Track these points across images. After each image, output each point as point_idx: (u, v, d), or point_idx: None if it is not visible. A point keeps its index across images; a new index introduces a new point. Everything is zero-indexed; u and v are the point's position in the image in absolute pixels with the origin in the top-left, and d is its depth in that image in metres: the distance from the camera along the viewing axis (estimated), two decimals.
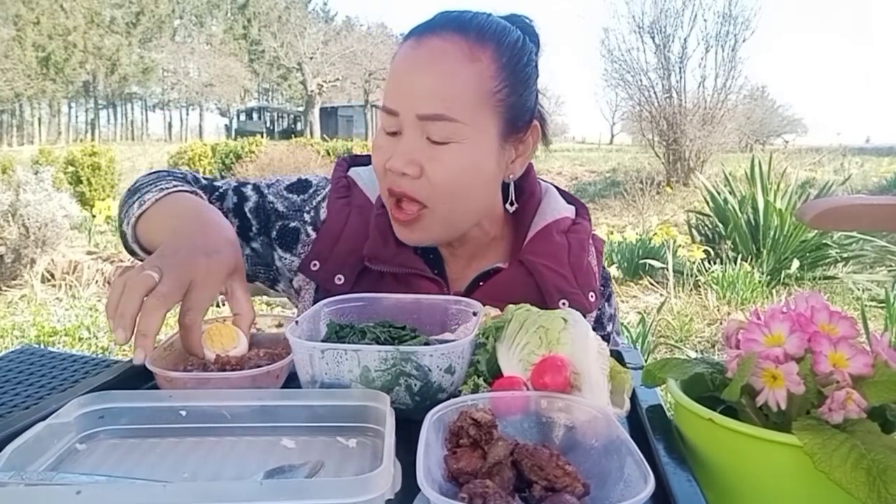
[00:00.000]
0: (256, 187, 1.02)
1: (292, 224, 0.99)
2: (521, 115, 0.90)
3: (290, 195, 1.01)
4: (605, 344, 0.69)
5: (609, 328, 1.06)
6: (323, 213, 0.99)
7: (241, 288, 0.78)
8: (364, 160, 1.05)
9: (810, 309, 0.58)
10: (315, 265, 0.94)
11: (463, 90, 0.84)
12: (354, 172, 1.02)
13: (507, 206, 0.97)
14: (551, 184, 1.07)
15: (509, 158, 0.92)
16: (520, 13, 0.96)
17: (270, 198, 1.00)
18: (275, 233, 0.99)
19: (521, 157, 0.94)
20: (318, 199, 1.01)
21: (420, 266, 0.94)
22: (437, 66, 0.84)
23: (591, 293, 0.97)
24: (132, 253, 0.96)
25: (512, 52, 0.88)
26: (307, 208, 1.00)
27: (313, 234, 0.98)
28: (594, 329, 0.97)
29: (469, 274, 0.99)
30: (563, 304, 0.92)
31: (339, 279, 0.93)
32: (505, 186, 0.96)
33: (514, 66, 0.88)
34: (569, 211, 1.03)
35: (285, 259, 1.00)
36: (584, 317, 0.92)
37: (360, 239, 0.94)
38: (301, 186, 1.03)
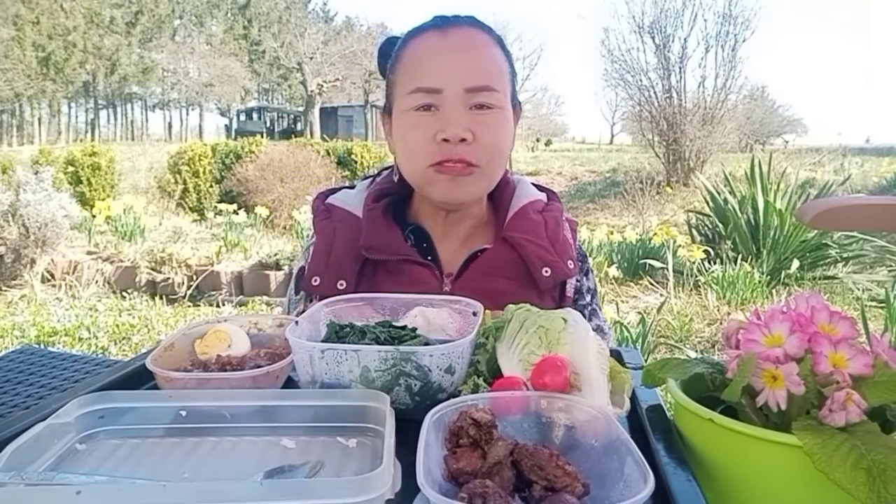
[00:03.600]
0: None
1: (300, 265, 1.11)
2: (515, 98, 1.05)
3: (302, 254, 1.14)
4: (605, 344, 0.69)
5: (588, 299, 1.13)
6: (312, 248, 1.08)
7: None
8: (339, 189, 1.16)
9: (810, 309, 0.58)
10: (316, 280, 1.02)
11: (497, 66, 0.99)
12: (333, 198, 1.12)
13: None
14: (522, 176, 1.19)
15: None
16: None
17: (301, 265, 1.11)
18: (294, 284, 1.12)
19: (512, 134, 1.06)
20: (308, 243, 1.12)
21: (412, 253, 1.03)
22: (474, 47, 0.98)
23: (570, 261, 1.05)
24: None
25: (503, 45, 1.04)
26: (306, 254, 1.10)
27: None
28: (577, 299, 1.09)
29: (460, 256, 1.07)
30: (546, 271, 1.01)
31: (342, 284, 1.00)
32: None
33: (508, 56, 1.04)
34: (541, 196, 1.13)
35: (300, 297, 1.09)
36: (565, 283, 1.06)
37: (352, 244, 1.03)
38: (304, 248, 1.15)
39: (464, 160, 0.95)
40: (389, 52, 1.06)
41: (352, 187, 1.15)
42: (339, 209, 1.09)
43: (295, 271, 1.13)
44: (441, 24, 1.00)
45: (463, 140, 0.94)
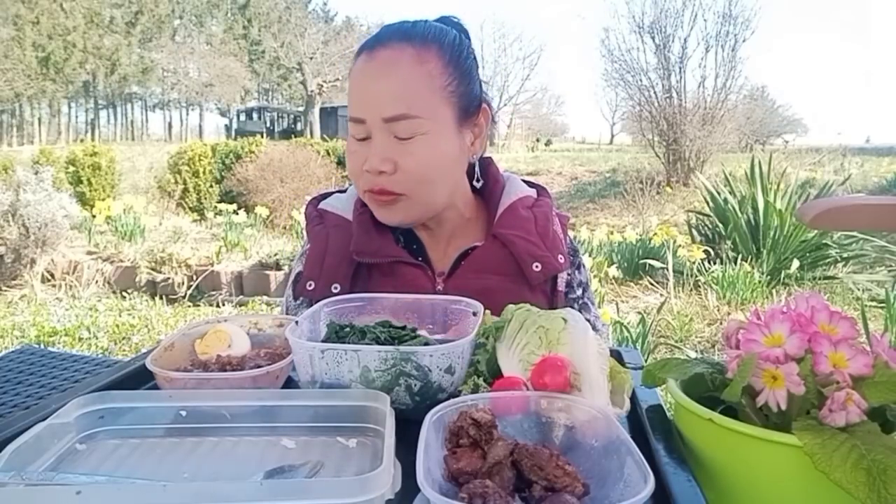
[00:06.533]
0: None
1: (296, 271, 1.11)
2: (470, 102, 1.01)
3: (297, 260, 1.14)
4: (605, 344, 0.69)
5: (579, 292, 1.13)
6: (307, 254, 1.08)
7: None
8: (331, 194, 1.17)
9: (810, 309, 0.58)
10: (311, 285, 1.02)
11: (417, 89, 0.94)
12: (325, 204, 1.13)
13: (475, 182, 1.09)
14: (512, 174, 1.19)
15: (469, 141, 1.03)
16: (448, 14, 1.08)
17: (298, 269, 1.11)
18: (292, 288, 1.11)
19: (478, 139, 1.05)
20: (303, 249, 1.13)
21: (403, 254, 1.03)
22: (392, 73, 0.94)
23: (560, 255, 1.06)
24: None
25: (453, 49, 0.99)
26: (302, 260, 1.11)
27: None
28: (567, 293, 1.08)
29: (450, 255, 1.08)
30: (537, 266, 1.02)
31: (336, 287, 1.01)
32: (471, 167, 1.07)
33: (457, 60, 0.99)
34: (531, 192, 1.14)
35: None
36: (556, 278, 1.06)
37: (345, 248, 1.03)
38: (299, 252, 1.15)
39: (384, 190, 0.96)
40: None
41: (344, 191, 1.16)
42: (332, 214, 1.10)
43: (291, 277, 1.13)
44: (372, 45, 0.97)
45: (382, 172, 0.94)
